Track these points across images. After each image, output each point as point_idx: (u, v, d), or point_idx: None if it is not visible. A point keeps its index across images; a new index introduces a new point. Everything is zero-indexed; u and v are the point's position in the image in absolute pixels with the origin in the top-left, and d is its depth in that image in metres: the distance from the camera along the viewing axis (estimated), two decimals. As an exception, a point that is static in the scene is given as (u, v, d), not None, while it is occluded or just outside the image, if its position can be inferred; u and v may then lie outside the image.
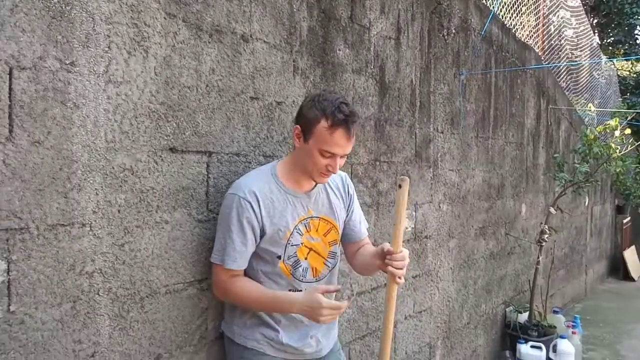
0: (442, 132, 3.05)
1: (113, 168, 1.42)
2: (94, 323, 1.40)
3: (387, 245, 1.55)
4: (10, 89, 1.22)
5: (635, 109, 8.61)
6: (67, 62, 1.32)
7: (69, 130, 1.33)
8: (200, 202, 1.66)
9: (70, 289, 1.35)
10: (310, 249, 1.61)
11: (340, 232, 1.68)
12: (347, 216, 1.73)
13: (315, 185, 1.63)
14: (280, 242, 1.56)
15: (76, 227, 1.35)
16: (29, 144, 1.26)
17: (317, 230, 1.61)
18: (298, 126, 1.55)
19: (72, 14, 1.33)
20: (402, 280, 1.55)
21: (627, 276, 7.55)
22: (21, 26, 1.23)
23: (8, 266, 1.23)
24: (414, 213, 2.81)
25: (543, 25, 5.03)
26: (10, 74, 1.22)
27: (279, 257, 1.57)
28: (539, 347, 3.55)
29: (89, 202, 1.37)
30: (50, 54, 1.29)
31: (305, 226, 1.60)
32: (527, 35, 4.57)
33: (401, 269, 1.52)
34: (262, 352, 1.58)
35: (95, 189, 1.39)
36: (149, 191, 1.52)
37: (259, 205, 1.52)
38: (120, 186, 1.45)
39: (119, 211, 1.44)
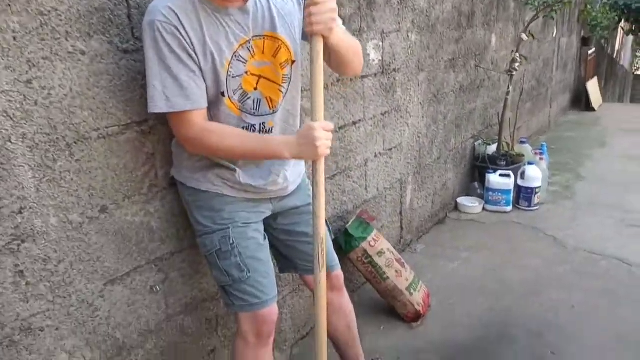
0: (408, -53, 2.65)
1: (-8, -20, 1.09)
2: (13, 175, 1.18)
3: None
4: None
5: None
6: None
7: None
8: (123, 27, 1.36)
9: (-29, 138, 1.10)
10: (260, 77, 1.36)
11: (295, 46, 1.41)
12: None
13: None
14: (218, 75, 1.29)
15: (-42, 59, 1.06)
16: None
17: (263, 52, 1.34)
18: None
19: None
20: (320, 27, 1.25)
21: (588, 107, 7.66)
22: None
23: None
24: (380, 43, 2.54)
25: None
26: None
27: (223, 94, 1.32)
28: (508, 175, 3.59)
29: (-33, 26, 1.07)
30: None
31: (249, 50, 1.32)
32: None
33: (318, 15, 1.23)
34: (219, 194, 1.42)
35: (-27, 8, 1.07)
36: (51, 13, 1.20)
37: (184, 29, 1.21)
38: (9, 5, 1.13)
39: (14, 38, 1.14)
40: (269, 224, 1.60)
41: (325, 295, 1.43)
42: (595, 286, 2.60)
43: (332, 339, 1.78)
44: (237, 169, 1.40)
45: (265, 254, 1.47)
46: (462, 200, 3.71)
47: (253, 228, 1.45)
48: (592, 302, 2.46)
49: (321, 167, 1.35)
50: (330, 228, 1.77)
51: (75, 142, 1.29)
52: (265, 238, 1.51)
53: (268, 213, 1.53)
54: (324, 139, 1.29)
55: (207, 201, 1.42)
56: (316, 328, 1.46)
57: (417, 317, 2.33)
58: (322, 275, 1.41)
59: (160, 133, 1.49)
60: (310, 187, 1.65)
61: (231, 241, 1.39)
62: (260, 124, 1.38)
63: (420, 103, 3.02)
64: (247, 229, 1.43)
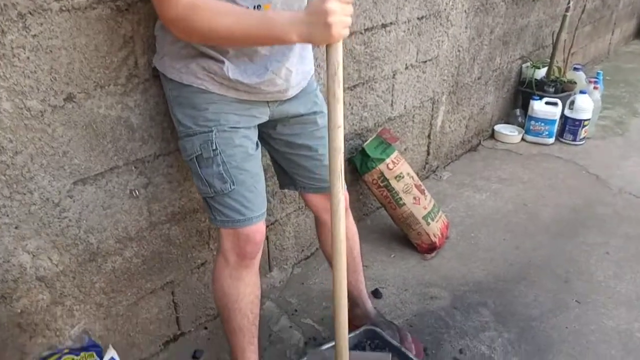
0: None
1: None
2: (-52, 45, 0.98)
3: None
4: None
5: None
6: None
7: None
8: None
9: None
10: None
11: None
12: None
13: None
14: None
15: None
16: None
17: None
18: None
19: None
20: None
21: (656, 37, 6.88)
22: None
23: None
24: None
25: None
26: None
27: None
28: (555, 104, 3.22)
29: None
30: None
31: None
32: None
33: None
34: (203, 89, 1.19)
35: None
36: None
37: None
38: None
39: None
40: (268, 134, 1.39)
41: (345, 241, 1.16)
42: (637, 232, 2.34)
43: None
44: (226, 61, 1.16)
45: (254, 165, 1.26)
46: (499, 127, 3.39)
47: (242, 134, 1.23)
48: (631, 250, 2.21)
49: (337, 54, 1.03)
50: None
51: (30, 13, 1.07)
52: (257, 147, 1.29)
53: (264, 119, 1.31)
54: (340, 15, 0.99)
55: (189, 97, 1.20)
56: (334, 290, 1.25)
57: (431, 248, 2.14)
58: (341, 227, 1.13)
59: (141, 12, 1.26)
60: (319, 93, 1.43)
61: (214, 147, 1.19)
62: (255, 7, 1.12)
63: (465, 11, 2.63)
64: (234, 135, 1.21)
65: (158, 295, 1.57)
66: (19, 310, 1.23)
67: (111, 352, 1.28)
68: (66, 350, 1.29)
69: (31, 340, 1.28)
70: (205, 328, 1.74)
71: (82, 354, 1.29)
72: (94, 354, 1.30)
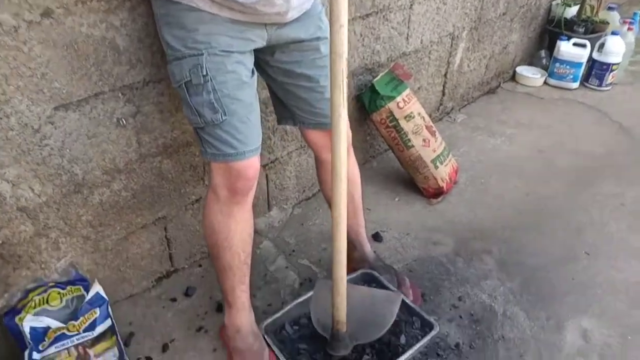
0: None
1: None
2: None
3: None
4: None
5: None
6: None
7: None
8: None
9: None
10: None
11: None
12: None
13: None
14: None
15: None
16: None
17: None
18: None
19: None
20: None
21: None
22: None
23: None
24: None
25: None
26: None
27: None
28: (583, 45, 3.00)
29: None
30: None
31: None
32: None
33: None
34: (193, 7, 1.07)
35: None
36: None
37: None
38: None
39: None
40: (265, 60, 1.27)
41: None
42: (657, 185, 2.23)
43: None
44: (218, -24, 1.03)
45: (248, 94, 1.16)
46: (521, 69, 3.20)
47: (235, 59, 1.12)
48: (649, 203, 2.11)
49: None
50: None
51: None
52: (252, 74, 1.19)
53: (260, 43, 1.18)
54: None
55: (178, 16, 1.08)
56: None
57: (438, 193, 2.06)
58: (342, 147, 1.03)
59: None
60: (324, 17, 1.29)
61: (204, 72, 1.08)
62: None
63: (494, -63, 2.40)
64: (227, 59, 1.10)
65: (149, 231, 1.52)
66: (0, 242, 1.18)
67: (96, 287, 1.25)
68: (52, 284, 1.26)
69: (15, 272, 1.24)
70: (200, 265, 1.71)
71: (68, 287, 1.27)
72: (81, 288, 1.28)
